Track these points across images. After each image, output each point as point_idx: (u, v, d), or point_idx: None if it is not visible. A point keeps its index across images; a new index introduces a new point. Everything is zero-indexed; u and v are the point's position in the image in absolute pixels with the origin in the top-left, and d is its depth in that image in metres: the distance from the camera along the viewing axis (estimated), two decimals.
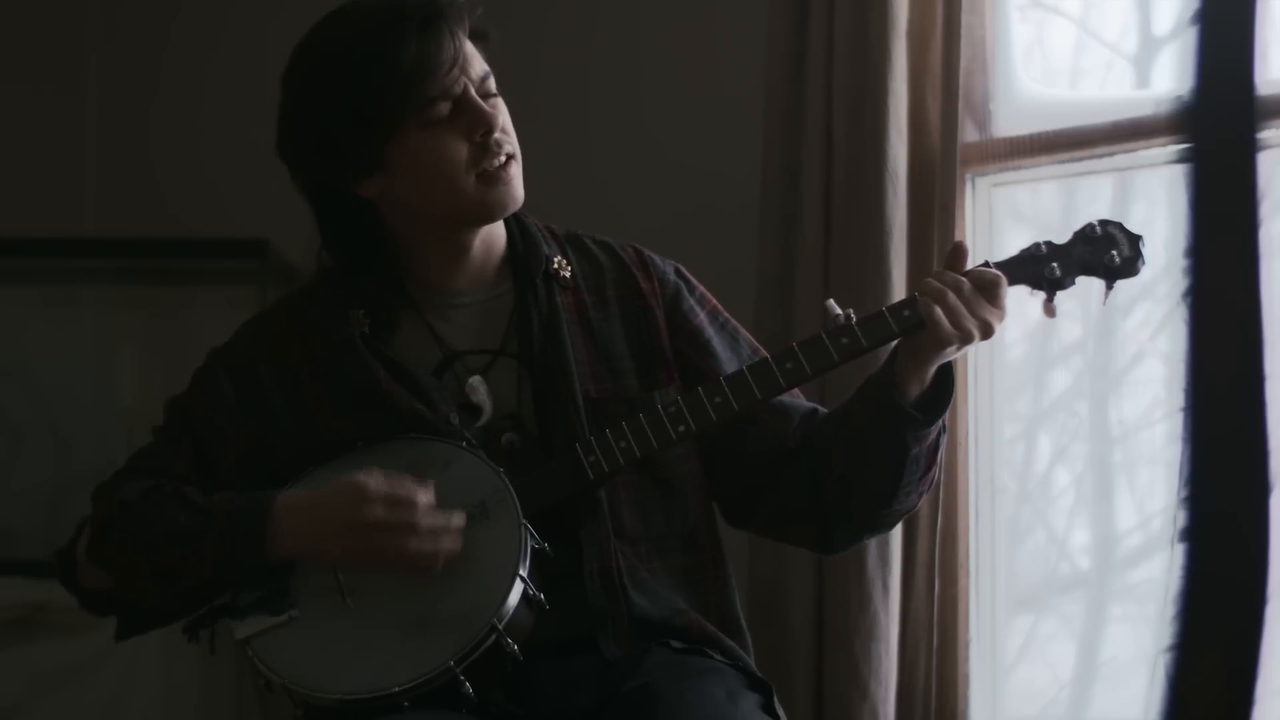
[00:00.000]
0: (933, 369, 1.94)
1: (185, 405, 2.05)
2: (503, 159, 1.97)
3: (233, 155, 3.71)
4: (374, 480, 1.87)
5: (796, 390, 2.07)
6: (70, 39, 3.84)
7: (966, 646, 2.82)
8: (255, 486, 1.95)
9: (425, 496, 1.87)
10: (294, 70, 2.03)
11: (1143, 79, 3.01)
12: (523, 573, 1.86)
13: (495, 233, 2.06)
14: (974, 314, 1.90)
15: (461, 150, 1.96)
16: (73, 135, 3.82)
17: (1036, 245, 1.99)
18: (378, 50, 1.93)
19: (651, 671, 1.92)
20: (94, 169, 3.82)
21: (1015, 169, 2.88)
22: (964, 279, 1.92)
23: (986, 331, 1.91)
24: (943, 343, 1.90)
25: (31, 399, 3.65)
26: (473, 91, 1.97)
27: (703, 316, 2.10)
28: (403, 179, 1.98)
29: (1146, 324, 2.92)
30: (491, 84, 2.00)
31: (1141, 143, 2.77)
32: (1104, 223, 1.98)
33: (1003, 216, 2.95)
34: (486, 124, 1.96)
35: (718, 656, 1.99)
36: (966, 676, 2.83)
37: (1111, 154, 2.81)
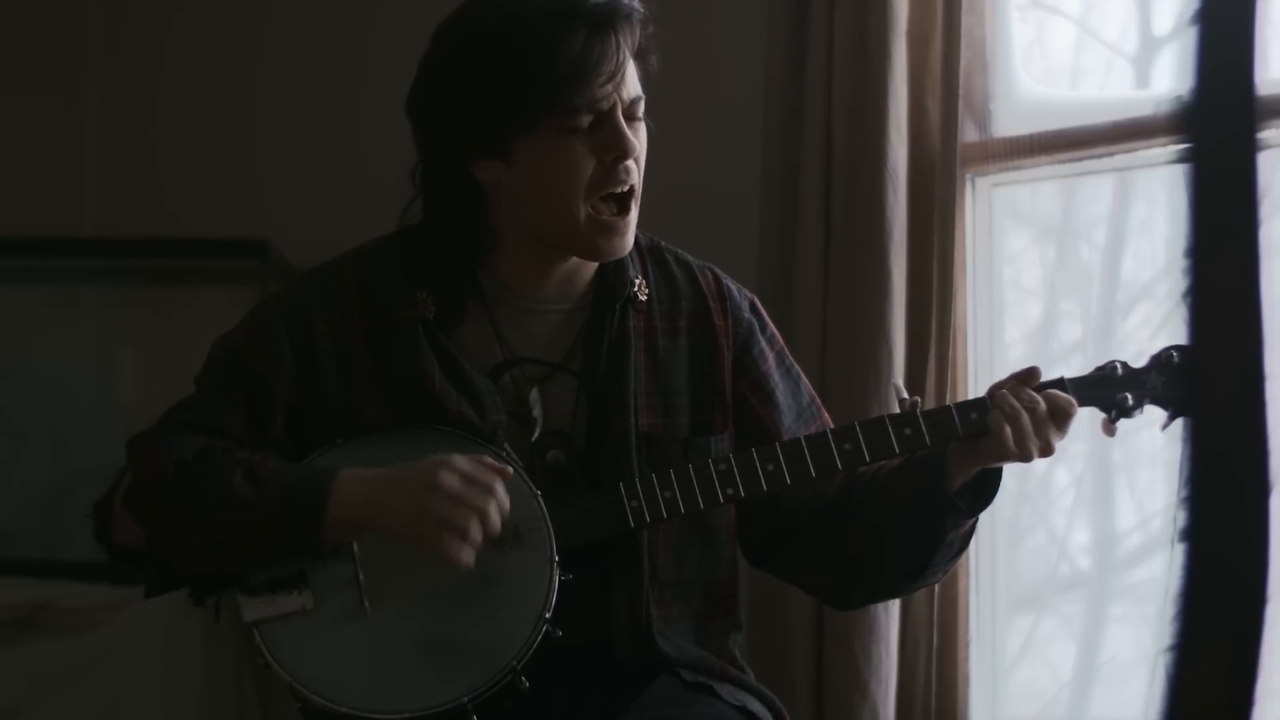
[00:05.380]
0: (982, 467, 1.95)
1: (238, 354, 1.95)
2: (625, 189, 1.91)
3: (233, 156, 3.71)
4: (459, 457, 1.84)
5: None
6: (70, 39, 3.84)
7: (966, 646, 2.82)
8: (294, 453, 1.91)
9: (502, 491, 1.84)
10: (451, 27, 1.94)
11: (1143, 79, 3.01)
12: (548, 615, 1.84)
13: None
14: (1039, 436, 1.91)
15: (587, 168, 1.89)
16: (73, 135, 3.82)
17: (1113, 366, 2.00)
18: (542, 38, 1.85)
19: (655, 706, 1.92)
20: (94, 169, 3.82)
21: (1015, 169, 2.88)
22: (1039, 402, 1.92)
23: (1046, 453, 1.92)
24: (1003, 458, 1.92)
25: (31, 399, 3.65)
26: (619, 112, 1.90)
27: (770, 361, 2.06)
28: (522, 175, 1.91)
29: (1146, 324, 2.92)
30: (640, 108, 1.93)
31: (1141, 143, 2.77)
32: (1181, 350, 1.99)
33: (1003, 216, 2.95)
34: (621, 149, 1.89)
35: (725, 693, 1.98)
36: (966, 676, 2.83)
37: (1111, 154, 2.81)
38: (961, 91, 2.79)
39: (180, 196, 3.72)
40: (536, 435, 1.95)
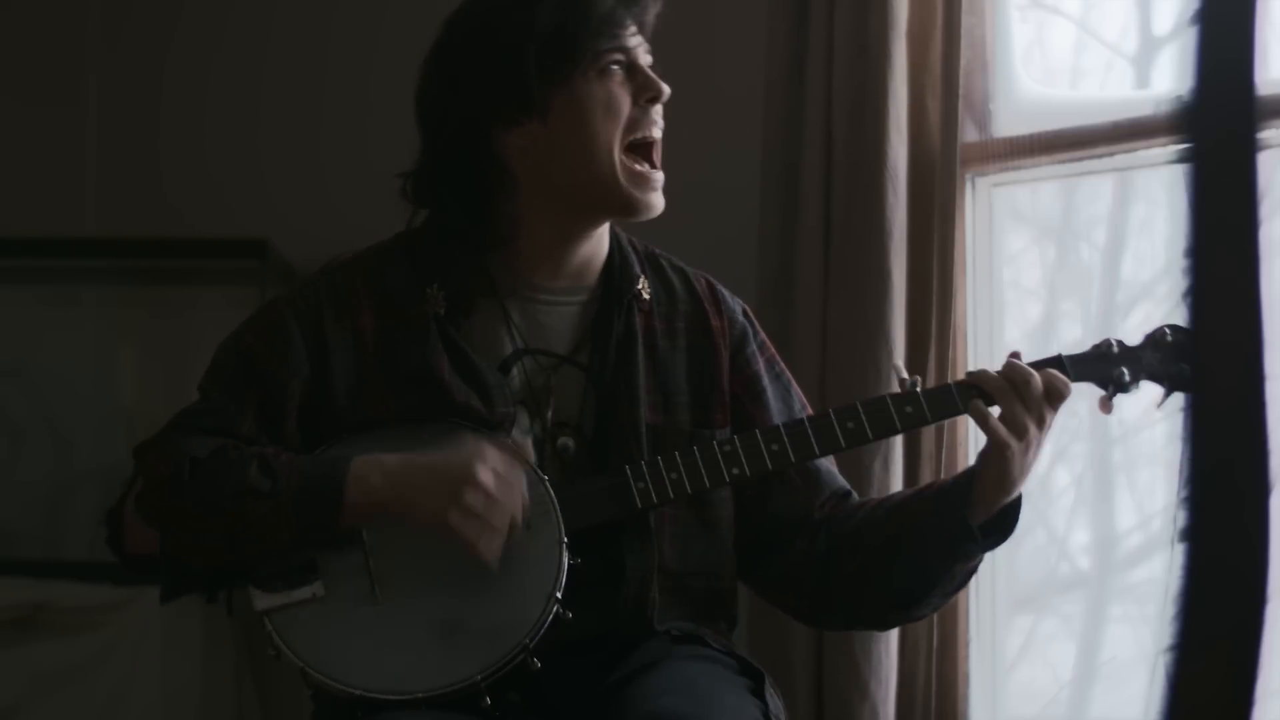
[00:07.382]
0: (1008, 500, 1.95)
1: (248, 355, 1.96)
2: (655, 134, 1.97)
3: (234, 155, 3.71)
4: (492, 450, 1.86)
5: (833, 461, 2.09)
6: (71, 39, 3.83)
7: (966, 646, 2.82)
8: (305, 449, 1.92)
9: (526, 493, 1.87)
10: None
11: (1143, 79, 3.01)
12: (558, 594, 1.85)
13: (602, 240, 2.04)
14: (1033, 413, 1.92)
15: (624, 109, 1.95)
16: (73, 135, 3.82)
17: (1108, 344, 2.02)
18: None
19: (646, 655, 1.94)
20: (94, 169, 3.81)
21: (1015, 169, 2.88)
22: (1034, 378, 1.93)
23: (1040, 428, 1.93)
24: (1002, 448, 1.91)
25: (31, 399, 3.65)
26: (644, 61, 1.97)
27: (761, 364, 2.08)
28: (559, 130, 1.94)
29: (1147, 324, 2.91)
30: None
31: (1141, 143, 2.78)
32: (1174, 329, 2.02)
33: (1003, 216, 2.96)
34: (654, 89, 1.97)
35: (713, 643, 2.00)
36: (966, 676, 2.83)
37: (1111, 154, 2.81)
38: (961, 91, 2.79)
39: (180, 196, 3.72)
40: (549, 424, 1.97)
